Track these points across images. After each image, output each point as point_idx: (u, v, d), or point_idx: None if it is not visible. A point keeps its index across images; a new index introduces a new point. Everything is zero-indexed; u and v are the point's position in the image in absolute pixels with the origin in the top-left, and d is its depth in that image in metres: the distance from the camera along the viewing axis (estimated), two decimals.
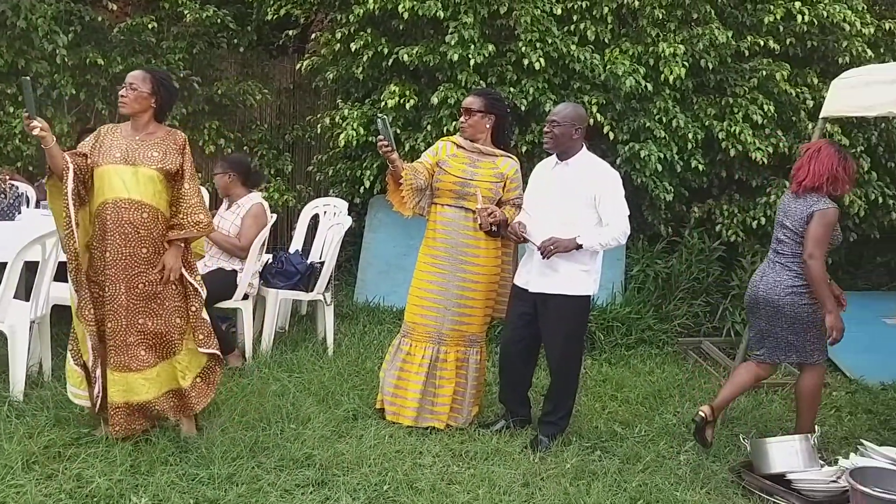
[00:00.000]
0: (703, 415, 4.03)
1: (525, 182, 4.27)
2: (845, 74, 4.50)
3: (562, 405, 4.20)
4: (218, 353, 3.86)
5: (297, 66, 6.72)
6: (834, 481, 3.60)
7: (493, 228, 4.07)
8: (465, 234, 4.15)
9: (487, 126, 4.17)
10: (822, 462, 3.79)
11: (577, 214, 3.97)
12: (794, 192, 4.03)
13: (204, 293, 3.79)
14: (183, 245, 3.67)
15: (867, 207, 6.16)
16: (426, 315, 4.20)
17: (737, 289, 6.09)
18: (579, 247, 3.89)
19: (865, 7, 6.13)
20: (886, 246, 6.74)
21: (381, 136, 3.96)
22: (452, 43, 5.46)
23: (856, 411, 4.93)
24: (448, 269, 4.17)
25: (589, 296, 4.13)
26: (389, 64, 5.79)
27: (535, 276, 4.06)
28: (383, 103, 5.70)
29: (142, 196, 3.55)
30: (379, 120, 3.98)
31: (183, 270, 3.67)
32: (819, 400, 4.19)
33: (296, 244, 5.84)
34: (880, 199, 6.16)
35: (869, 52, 5.92)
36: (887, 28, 6.17)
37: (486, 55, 5.53)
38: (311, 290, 5.34)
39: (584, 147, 4.11)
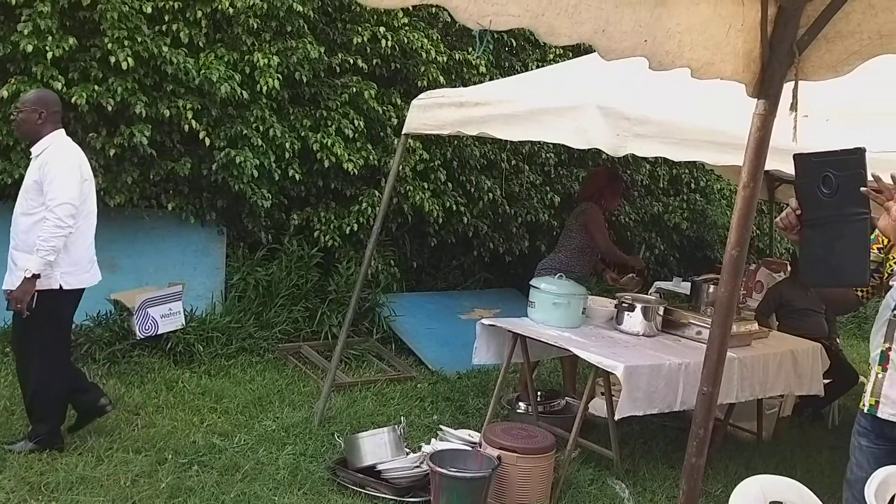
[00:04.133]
0: None
1: None
2: (422, 96, 4.97)
3: (35, 406, 3.99)
4: None
5: None
6: (418, 466, 3.94)
7: None
8: None
9: None
10: (408, 450, 4.13)
11: (32, 204, 3.84)
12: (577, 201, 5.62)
13: None
14: None
15: (445, 215, 6.87)
16: None
17: (334, 293, 6.37)
18: (35, 276, 3.70)
19: (440, 37, 6.84)
20: (460, 250, 7.57)
21: None
22: (26, 32, 4.90)
23: (437, 400, 5.46)
24: None
25: (57, 289, 3.87)
26: None
27: (7, 274, 3.91)
28: None
29: None
30: None
31: None
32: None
33: None
34: (454, 207, 6.92)
35: (441, 78, 6.61)
36: (457, 58, 6.94)
37: (67, 49, 5.06)
38: None
39: (57, 133, 3.96)
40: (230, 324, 5.87)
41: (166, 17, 5.49)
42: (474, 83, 6.60)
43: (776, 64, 2.11)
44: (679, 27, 1.82)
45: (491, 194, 7.29)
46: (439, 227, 7.03)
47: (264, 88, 5.63)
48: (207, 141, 5.63)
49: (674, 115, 3.72)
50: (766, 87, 2.16)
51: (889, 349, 2.45)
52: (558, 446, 4.16)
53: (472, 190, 7.19)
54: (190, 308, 5.80)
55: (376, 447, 3.94)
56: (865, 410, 2.53)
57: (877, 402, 2.48)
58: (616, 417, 3.96)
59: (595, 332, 4.67)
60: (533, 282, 4.82)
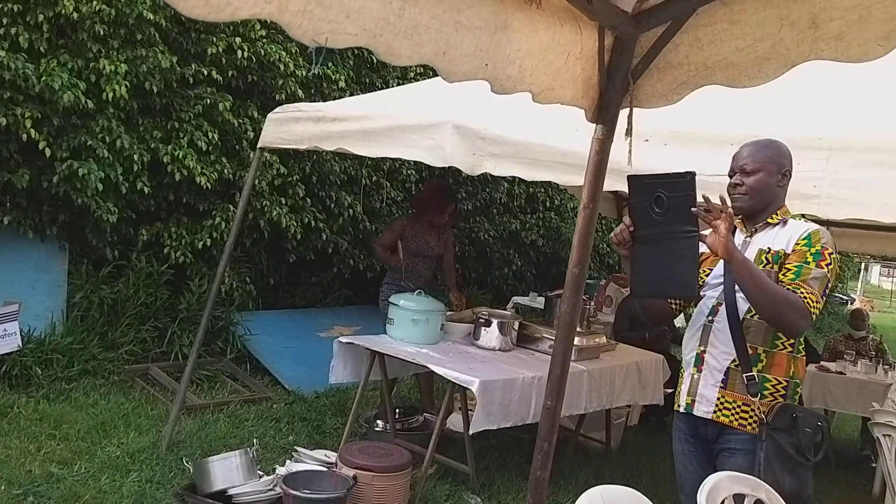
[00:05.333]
0: None
1: None
2: (279, 109, 4.89)
3: None
4: None
5: None
6: (271, 489, 3.84)
7: None
8: None
9: None
10: (262, 473, 4.02)
11: None
12: None
13: None
14: None
15: (303, 231, 6.77)
16: None
17: (185, 312, 6.12)
18: None
19: (299, 51, 6.75)
20: (320, 266, 7.48)
21: None
22: None
23: (293, 420, 5.35)
24: None
25: None
26: None
27: None
28: None
29: None
30: None
31: None
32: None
33: None
34: (313, 223, 6.83)
35: (300, 92, 6.53)
36: (317, 72, 6.88)
37: None
38: None
39: None
40: (72, 345, 5.52)
41: (4, 21, 5.14)
42: (334, 98, 6.56)
43: (613, 91, 2.22)
44: (519, 53, 1.87)
45: (351, 210, 7.25)
46: (297, 243, 6.93)
47: (110, 96, 5.36)
48: (48, 151, 5.29)
49: (527, 136, 3.83)
50: (604, 113, 2.26)
51: (704, 351, 2.71)
52: (416, 463, 4.16)
53: (332, 206, 7.13)
54: (27, 328, 5.42)
55: (227, 471, 3.80)
56: (682, 410, 2.79)
57: (693, 401, 2.74)
58: (471, 432, 4.00)
59: (453, 347, 4.73)
60: (392, 298, 4.83)
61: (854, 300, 29.07)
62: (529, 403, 4.21)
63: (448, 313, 5.10)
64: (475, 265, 9.13)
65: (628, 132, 2.25)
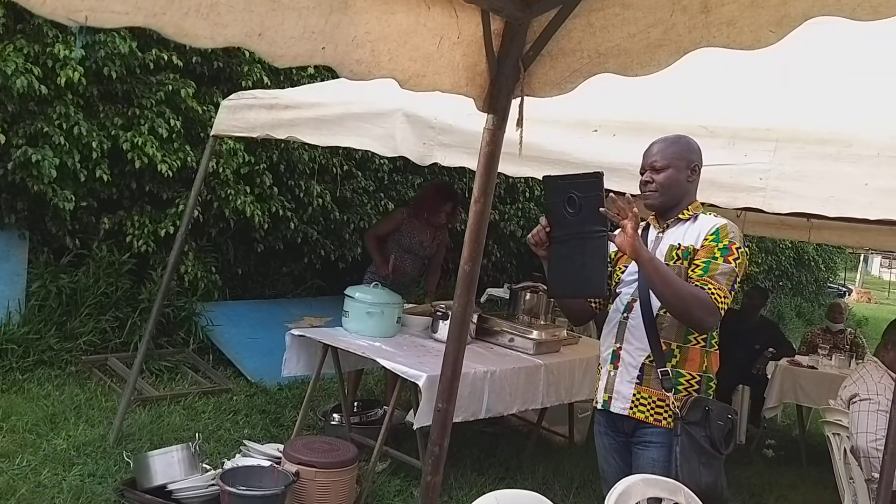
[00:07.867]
0: None
1: None
2: (234, 96, 4.77)
3: None
4: None
5: None
6: (212, 485, 3.75)
7: None
8: None
9: None
10: (208, 467, 3.94)
11: None
12: None
13: None
14: None
15: (271, 221, 6.67)
16: None
17: (146, 302, 6.01)
18: None
19: None
20: (289, 256, 7.38)
21: None
22: None
23: (251, 413, 5.26)
24: None
25: None
26: None
27: None
28: None
29: None
30: None
31: None
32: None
33: None
34: (281, 212, 6.73)
35: (267, 78, 6.41)
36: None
37: None
38: None
39: None
40: (28, 335, 5.43)
41: None
42: (304, 84, 6.43)
43: (503, 79, 2.12)
44: (369, 35, 1.75)
45: (321, 200, 7.14)
46: (265, 233, 6.82)
47: (64, 81, 5.24)
48: (3, 138, 5.19)
49: (476, 126, 3.68)
50: (495, 103, 2.16)
51: (620, 348, 2.68)
52: (366, 458, 4.08)
53: (301, 195, 7.02)
54: None
55: (167, 466, 3.72)
56: (599, 406, 2.75)
57: (610, 398, 2.70)
58: (415, 427, 3.91)
59: (409, 340, 4.64)
60: (347, 290, 4.73)
61: (851, 291, 29.04)
62: (481, 399, 4.13)
63: (407, 306, 5.01)
64: (453, 256, 9.00)
65: (519, 122, 2.15)
